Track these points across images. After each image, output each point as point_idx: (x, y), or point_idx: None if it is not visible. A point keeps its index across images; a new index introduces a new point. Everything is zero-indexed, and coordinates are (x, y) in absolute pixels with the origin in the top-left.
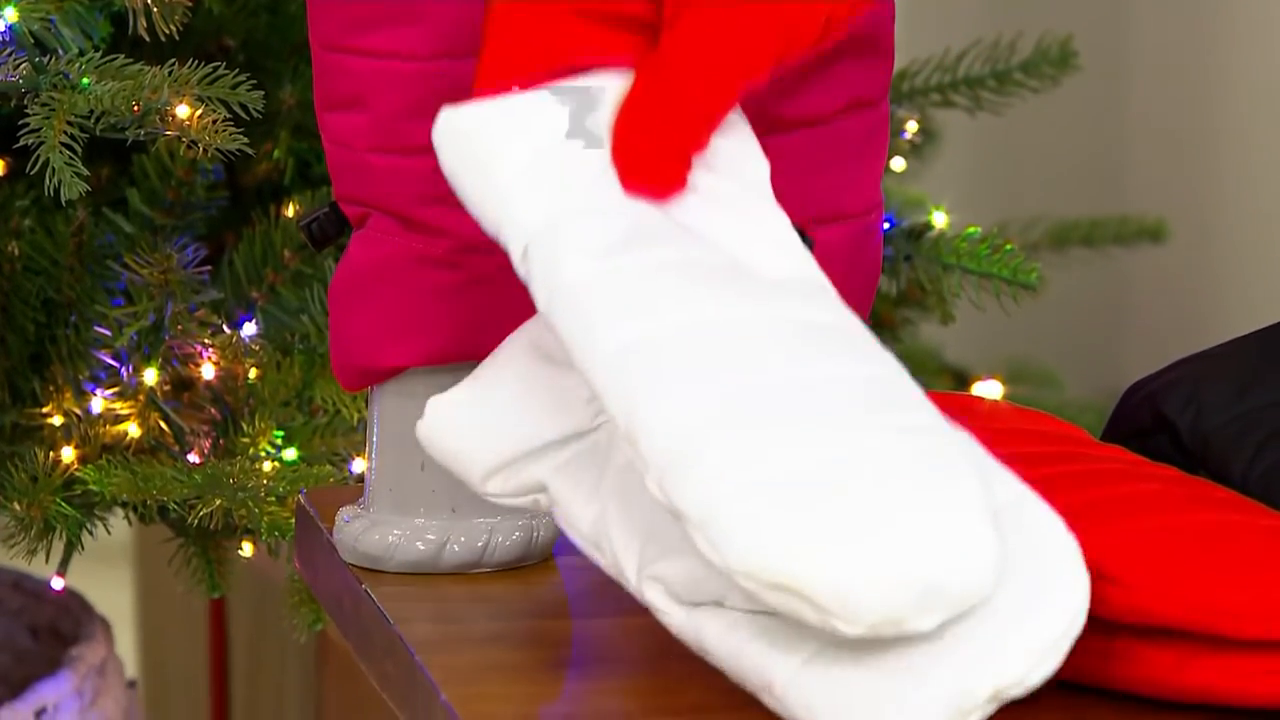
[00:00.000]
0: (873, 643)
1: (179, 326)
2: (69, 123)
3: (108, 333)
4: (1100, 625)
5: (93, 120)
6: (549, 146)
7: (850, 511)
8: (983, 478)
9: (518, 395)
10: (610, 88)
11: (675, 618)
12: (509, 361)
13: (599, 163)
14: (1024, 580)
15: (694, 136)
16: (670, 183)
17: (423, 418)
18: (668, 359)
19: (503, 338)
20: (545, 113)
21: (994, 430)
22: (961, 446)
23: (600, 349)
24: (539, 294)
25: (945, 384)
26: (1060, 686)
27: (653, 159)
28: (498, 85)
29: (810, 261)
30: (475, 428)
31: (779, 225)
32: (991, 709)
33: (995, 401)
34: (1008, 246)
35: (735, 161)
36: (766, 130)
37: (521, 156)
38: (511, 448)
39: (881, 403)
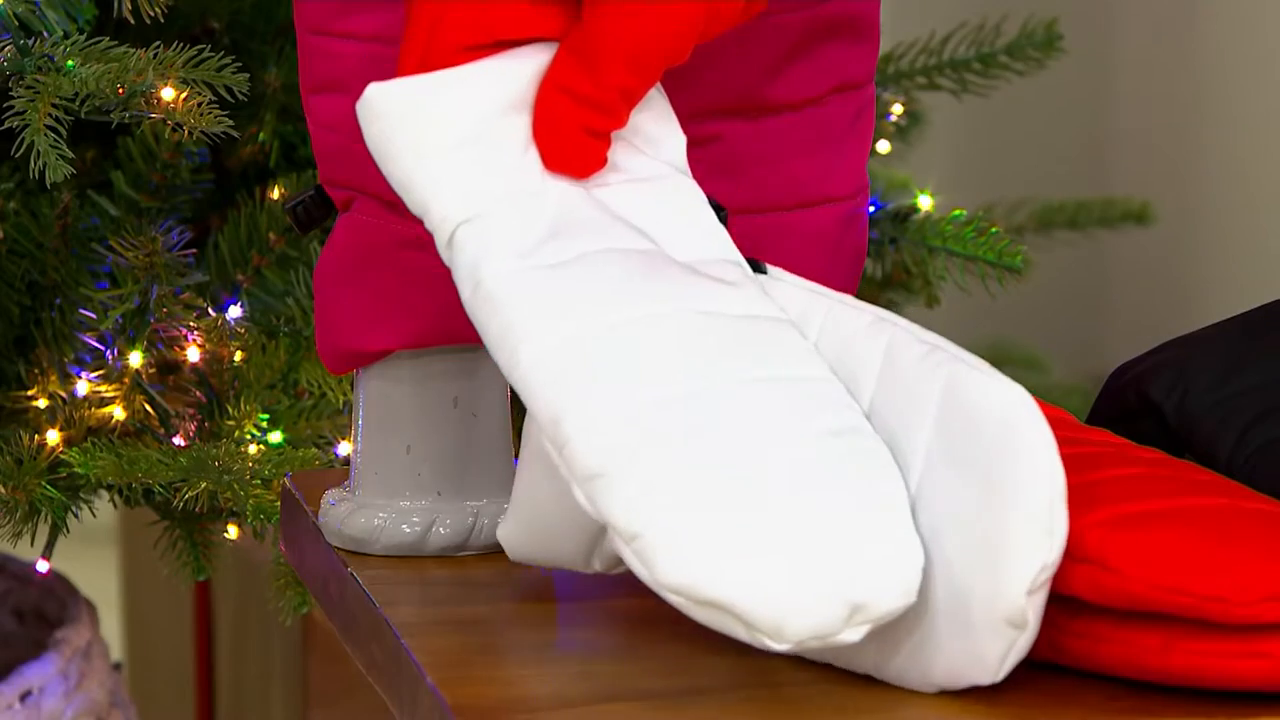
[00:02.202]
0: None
1: (164, 309)
2: (54, 105)
3: (93, 316)
4: (1086, 608)
5: (77, 103)
6: (474, 126)
7: (776, 525)
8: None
9: (560, 509)
10: (537, 61)
11: None
12: (535, 484)
13: (523, 140)
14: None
15: (613, 114)
16: (589, 161)
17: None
18: (590, 365)
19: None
20: (470, 90)
21: None
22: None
23: (522, 353)
24: (463, 287)
25: None
26: (1045, 668)
27: (572, 138)
28: (423, 62)
29: (728, 243)
30: (545, 551)
31: (697, 204)
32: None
33: None
34: (993, 229)
35: (654, 138)
36: (752, 113)
37: (446, 138)
38: (583, 544)
39: (807, 406)
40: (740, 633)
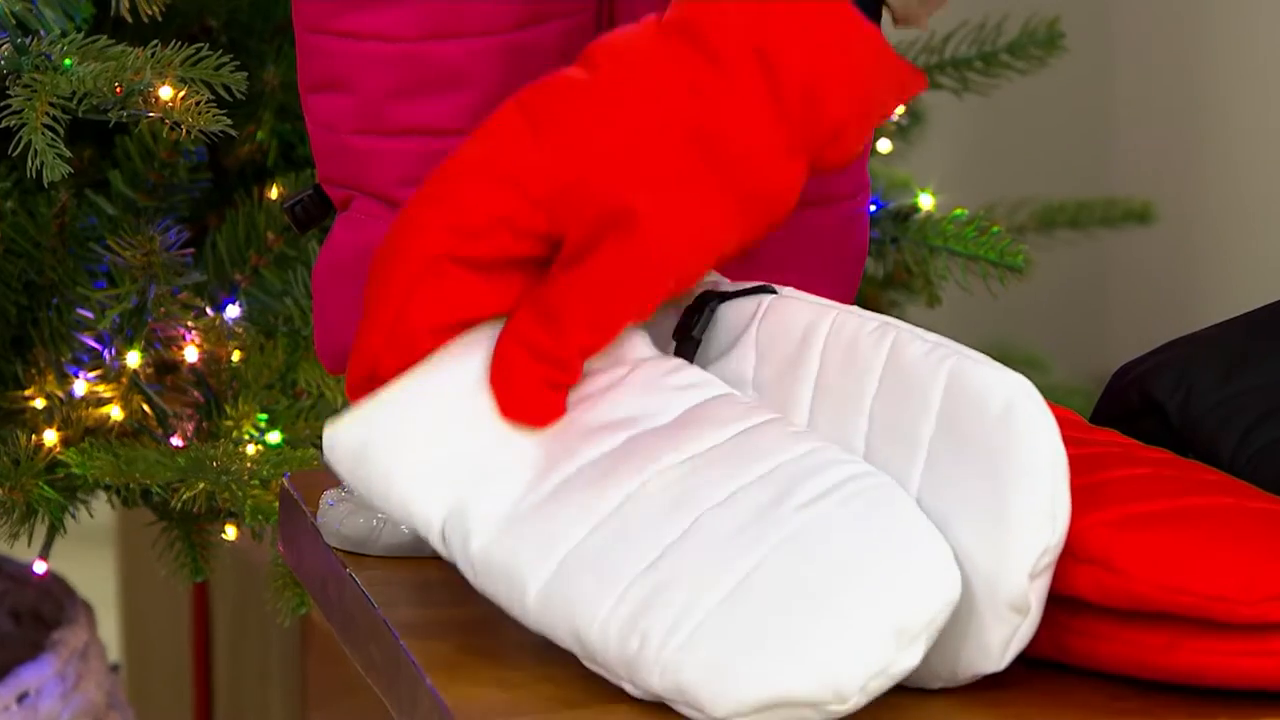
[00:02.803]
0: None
1: (162, 309)
2: (51, 104)
3: (90, 315)
4: (1090, 607)
5: (75, 102)
6: (433, 431)
7: (785, 605)
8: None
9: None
10: (487, 338)
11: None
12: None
13: (481, 411)
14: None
15: (571, 370)
16: (547, 413)
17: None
18: (587, 574)
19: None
20: (422, 396)
21: None
22: (885, 489)
23: (529, 599)
24: (465, 572)
25: None
26: (1049, 667)
27: (530, 391)
28: (389, 343)
29: (709, 381)
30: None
31: (668, 377)
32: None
33: None
34: (994, 229)
35: (616, 346)
36: None
37: (411, 456)
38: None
39: (789, 484)
40: (812, 716)
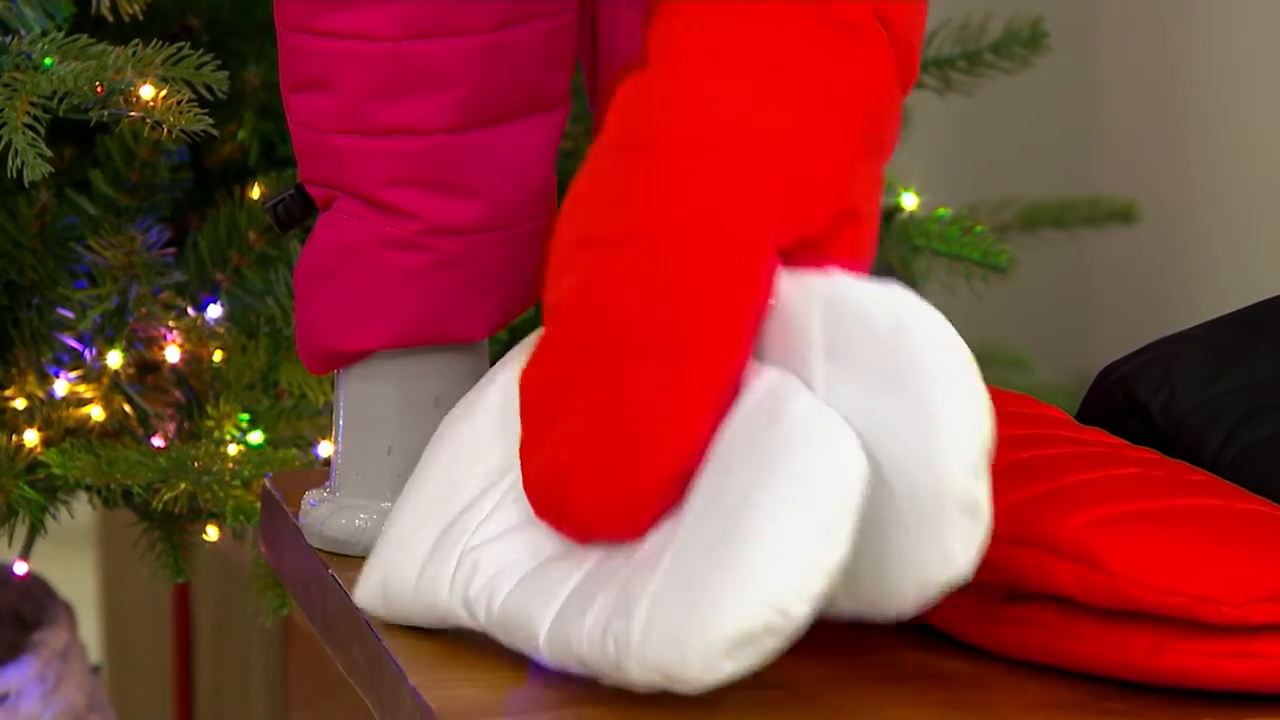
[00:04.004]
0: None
1: (143, 309)
2: (32, 103)
3: (71, 315)
4: (1076, 608)
5: (56, 101)
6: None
7: (718, 563)
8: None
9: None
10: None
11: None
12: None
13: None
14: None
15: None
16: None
17: None
18: (567, 606)
19: (469, 320)
20: (417, 520)
21: None
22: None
23: (541, 642)
24: (486, 627)
25: None
26: (1035, 667)
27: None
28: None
29: None
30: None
31: None
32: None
33: None
34: (978, 228)
35: None
36: None
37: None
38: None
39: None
40: (775, 642)
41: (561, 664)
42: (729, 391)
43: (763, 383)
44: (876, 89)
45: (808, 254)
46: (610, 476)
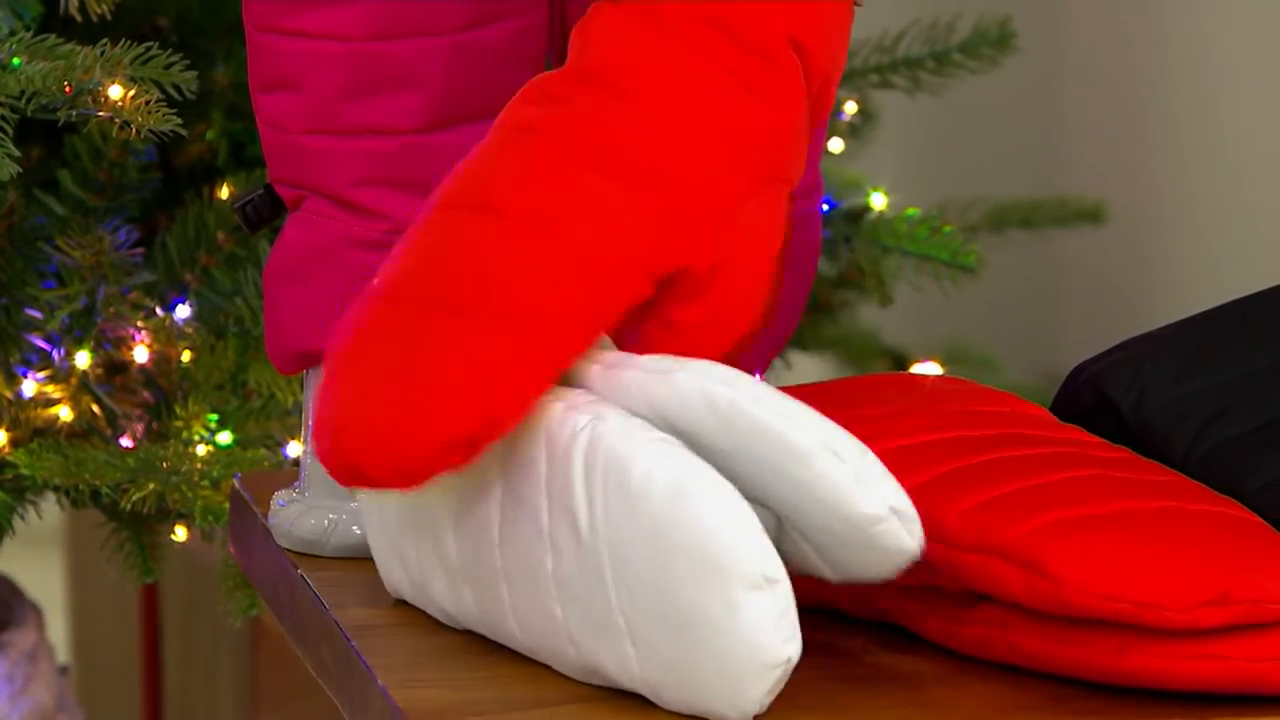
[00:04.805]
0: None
1: (111, 309)
2: None
3: (39, 315)
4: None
5: (23, 100)
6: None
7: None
8: None
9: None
10: None
11: None
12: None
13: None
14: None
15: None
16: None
17: None
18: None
19: None
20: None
21: (935, 414)
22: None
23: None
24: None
25: (884, 366)
26: (1002, 668)
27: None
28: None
29: None
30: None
31: None
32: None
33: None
34: (946, 229)
35: None
36: None
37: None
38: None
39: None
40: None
41: (590, 679)
42: (531, 381)
43: (584, 420)
44: (782, 118)
45: (688, 295)
46: (383, 423)
